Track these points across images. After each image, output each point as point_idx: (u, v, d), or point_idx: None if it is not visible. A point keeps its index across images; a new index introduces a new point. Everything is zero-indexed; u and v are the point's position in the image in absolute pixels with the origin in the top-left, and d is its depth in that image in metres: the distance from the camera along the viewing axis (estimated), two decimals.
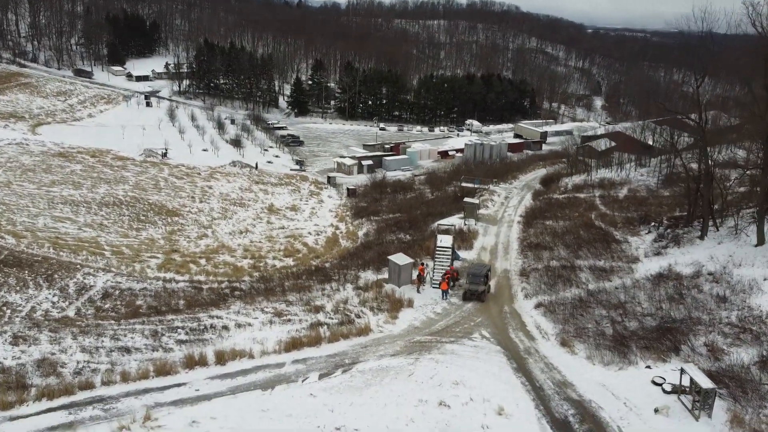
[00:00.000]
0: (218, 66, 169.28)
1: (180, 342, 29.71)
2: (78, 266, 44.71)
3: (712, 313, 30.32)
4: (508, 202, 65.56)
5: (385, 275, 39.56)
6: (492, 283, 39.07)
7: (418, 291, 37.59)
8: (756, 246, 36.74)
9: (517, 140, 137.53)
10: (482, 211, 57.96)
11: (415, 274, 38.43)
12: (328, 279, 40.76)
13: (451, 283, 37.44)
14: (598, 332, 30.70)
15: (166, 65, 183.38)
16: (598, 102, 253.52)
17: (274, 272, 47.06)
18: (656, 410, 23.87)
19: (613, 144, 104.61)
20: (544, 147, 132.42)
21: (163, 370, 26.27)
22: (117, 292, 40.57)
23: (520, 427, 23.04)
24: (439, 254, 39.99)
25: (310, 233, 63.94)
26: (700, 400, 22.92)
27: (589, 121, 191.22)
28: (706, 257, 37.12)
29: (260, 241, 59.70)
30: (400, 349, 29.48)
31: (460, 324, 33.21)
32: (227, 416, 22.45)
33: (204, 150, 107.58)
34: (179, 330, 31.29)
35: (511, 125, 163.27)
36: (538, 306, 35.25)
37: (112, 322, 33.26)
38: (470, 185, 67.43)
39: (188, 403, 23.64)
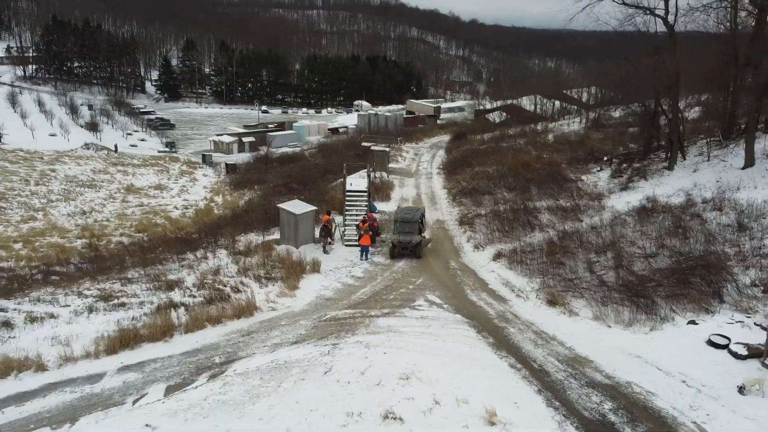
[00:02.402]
0: (71, 47, 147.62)
1: None
2: None
3: (737, 245, 21.78)
4: (420, 158, 55.70)
5: (276, 236, 27.92)
6: (427, 234, 28.59)
7: (326, 251, 26.38)
8: (743, 168, 30.14)
9: (411, 115, 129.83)
10: (392, 165, 47.91)
11: (319, 229, 27.13)
12: (192, 248, 28.34)
13: (373, 237, 26.53)
14: (597, 282, 21.05)
15: (8, 49, 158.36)
16: (482, 87, 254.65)
17: (118, 249, 33.76)
18: (742, 388, 14.32)
19: (508, 116, 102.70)
20: (438, 123, 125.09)
21: None
22: None
23: None
24: (350, 201, 28.94)
25: (176, 208, 50.46)
26: None
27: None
28: (689, 184, 29.44)
29: (107, 220, 45.58)
30: (307, 333, 18.28)
31: (394, 289, 22.38)
32: None
33: (52, 135, 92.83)
34: None
35: (401, 106, 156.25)
36: (497, 257, 25.13)
37: None
38: (372, 144, 56.79)
39: None
